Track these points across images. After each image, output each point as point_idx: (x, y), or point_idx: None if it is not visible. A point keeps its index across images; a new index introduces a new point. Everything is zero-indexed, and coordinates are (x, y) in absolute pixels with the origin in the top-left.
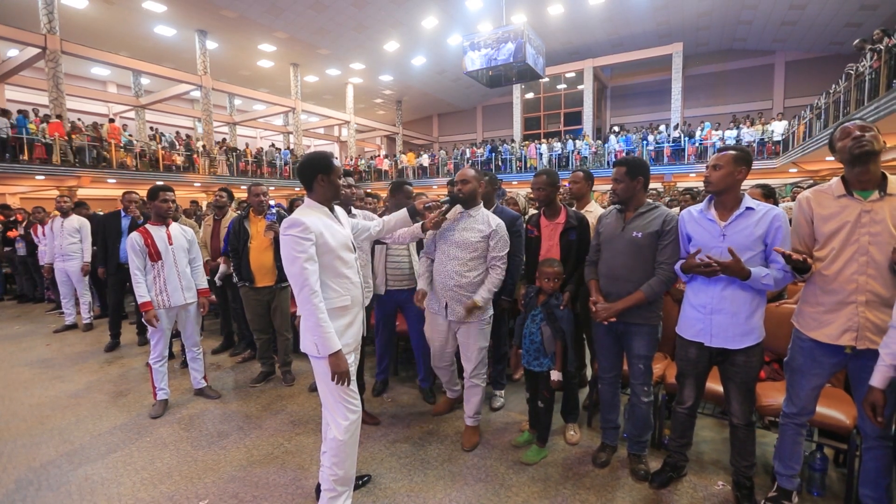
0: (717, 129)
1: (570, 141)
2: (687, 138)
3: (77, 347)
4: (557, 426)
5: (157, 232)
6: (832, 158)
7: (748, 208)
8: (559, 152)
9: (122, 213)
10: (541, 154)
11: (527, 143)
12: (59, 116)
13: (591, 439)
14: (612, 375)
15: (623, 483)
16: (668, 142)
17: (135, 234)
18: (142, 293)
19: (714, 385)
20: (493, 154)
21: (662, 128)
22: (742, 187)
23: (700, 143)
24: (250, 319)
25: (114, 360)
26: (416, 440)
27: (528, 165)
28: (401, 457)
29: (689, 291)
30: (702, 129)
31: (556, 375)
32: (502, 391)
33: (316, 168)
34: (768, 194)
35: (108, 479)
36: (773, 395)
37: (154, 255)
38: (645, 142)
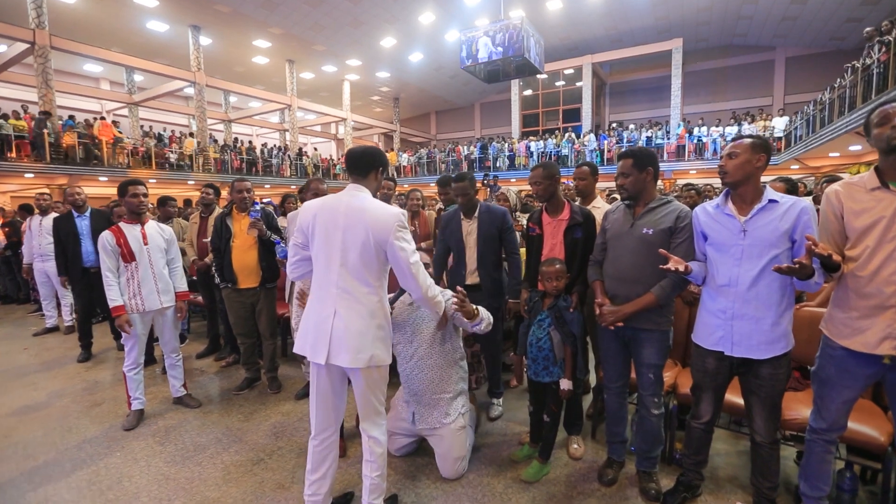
0: (716, 126)
1: (551, 139)
2: (688, 136)
3: (56, 352)
4: (559, 438)
5: (131, 231)
6: (836, 154)
7: (771, 201)
8: (543, 149)
9: (75, 214)
10: (531, 152)
11: (514, 140)
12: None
13: (595, 453)
14: (618, 385)
15: (632, 503)
16: (640, 140)
17: (106, 233)
18: (113, 296)
19: (731, 396)
20: (483, 153)
21: (632, 126)
22: None
23: (676, 142)
24: (233, 323)
25: (93, 365)
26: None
27: (519, 163)
28: (389, 475)
29: (706, 295)
30: (678, 127)
31: (566, 384)
32: (500, 399)
33: (378, 161)
34: (791, 189)
35: (69, 502)
36: (796, 407)
37: (127, 255)
38: (621, 141)
